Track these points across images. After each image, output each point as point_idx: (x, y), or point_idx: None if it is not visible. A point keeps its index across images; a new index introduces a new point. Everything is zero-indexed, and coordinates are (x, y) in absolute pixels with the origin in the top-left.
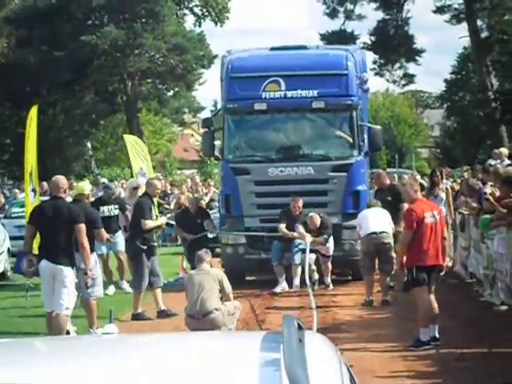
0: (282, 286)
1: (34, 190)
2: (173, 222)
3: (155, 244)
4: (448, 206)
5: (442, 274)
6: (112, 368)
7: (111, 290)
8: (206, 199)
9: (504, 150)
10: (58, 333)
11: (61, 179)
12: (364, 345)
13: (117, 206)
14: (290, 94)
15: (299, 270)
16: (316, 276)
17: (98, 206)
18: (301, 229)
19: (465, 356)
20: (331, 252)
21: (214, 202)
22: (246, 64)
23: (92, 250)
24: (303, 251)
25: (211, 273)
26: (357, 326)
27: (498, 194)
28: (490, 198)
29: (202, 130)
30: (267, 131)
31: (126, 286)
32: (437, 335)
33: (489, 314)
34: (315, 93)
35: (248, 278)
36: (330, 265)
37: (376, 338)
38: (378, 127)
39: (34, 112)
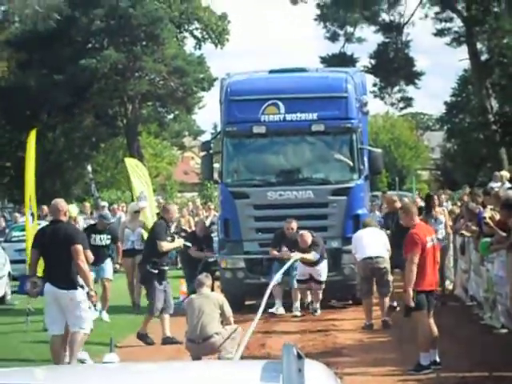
0: (279, 310)
1: (32, 215)
2: (189, 244)
3: (166, 268)
4: (445, 228)
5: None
6: None
7: (105, 315)
8: (207, 222)
9: (505, 173)
10: (70, 350)
11: (60, 202)
12: (365, 369)
13: (109, 236)
14: (289, 117)
15: (299, 295)
16: (308, 299)
17: (90, 234)
18: (285, 248)
19: (465, 380)
20: (324, 277)
21: (215, 226)
22: (245, 87)
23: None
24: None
25: (211, 297)
26: (357, 349)
27: (497, 217)
28: (490, 222)
29: (202, 154)
30: (266, 155)
31: (105, 316)
32: (437, 359)
33: (489, 338)
34: (315, 116)
35: (248, 303)
36: (320, 294)
37: (377, 362)
38: (379, 150)
39: (32, 136)
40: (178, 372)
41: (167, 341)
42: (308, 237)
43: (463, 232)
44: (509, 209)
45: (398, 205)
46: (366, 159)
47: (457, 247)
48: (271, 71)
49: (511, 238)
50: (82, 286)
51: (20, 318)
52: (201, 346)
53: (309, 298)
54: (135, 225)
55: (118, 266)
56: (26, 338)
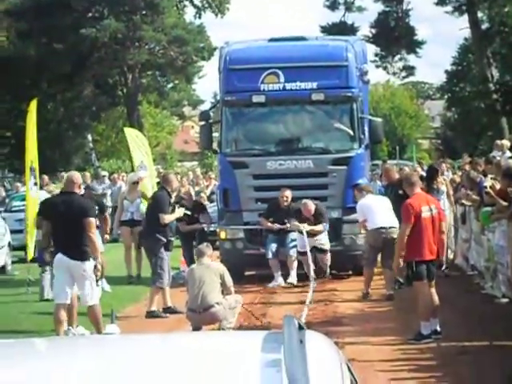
0: (278, 281)
1: (35, 184)
2: (189, 212)
3: (172, 239)
4: (448, 198)
5: (443, 268)
6: (112, 369)
7: (106, 285)
8: (207, 192)
9: (506, 142)
10: (96, 323)
11: (74, 175)
12: (365, 338)
13: (97, 207)
14: (288, 86)
15: (295, 263)
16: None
17: None
18: (294, 221)
19: (466, 349)
20: (328, 246)
21: (215, 195)
22: (244, 56)
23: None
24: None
25: (212, 267)
26: (358, 319)
27: (498, 186)
28: (490, 191)
29: (200, 123)
30: (266, 124)
31: (106, 286)
32: (438, 329)
33: (490, 307)
34: (315, 85)
35: (247, 273)
36: (328, 260)
37: (377, 332)
38: (379, 119)
39: (33, 106)
40: (177, 343)
41: (169, 311)
42: (311, 205)
43: (464, 201)
44: (509, 178)
45: (396, 175)
46: (366, 128)
47: (457, 216)
48: (271, 40)
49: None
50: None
51: (20, 288)
52: (202, 316)
53: (311, 270)
54: (134, 196)
55: (107, 237)
56: (26, 308)
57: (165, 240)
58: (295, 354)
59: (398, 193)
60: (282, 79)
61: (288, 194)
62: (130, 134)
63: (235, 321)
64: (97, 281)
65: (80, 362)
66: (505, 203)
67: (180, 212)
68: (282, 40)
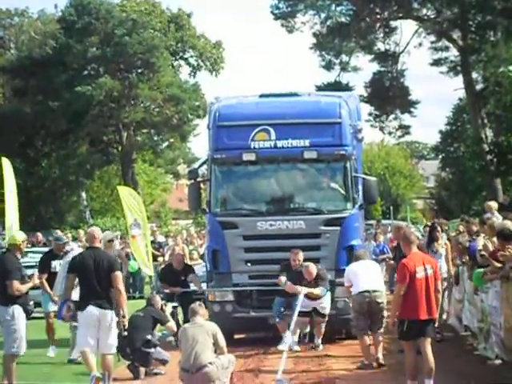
0: (289, 342)
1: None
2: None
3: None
4: (447, 262)
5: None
6: None
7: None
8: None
9: (493, 204)
10: (108, 371)
11: (95, 230)
12: None
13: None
14: (280, 143)
15: (298, 328)
16: (307, 329)
17: (49, 261)
18: (289, 283)
19: None
20: (328, 310)
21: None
22: (234, 112)
23: (5, 304)
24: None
25: (205, 326)
26: (352, 380)
27: (490, 246)
28: (485, 253)
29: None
30: (256, 183)
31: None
32: None
33: (483, 369)
34: (307, 142)
35: (237, 336)
36: (323, 327)
37: None
38: (373, 179)
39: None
40: None
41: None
42: (313, 269)
43: (458, 262)
44: (503, 238)
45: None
46: (360, 188)
47: (451, 277)
48: (262, 95)
49: (505, 269)
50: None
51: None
52: (194, 376)
53: (307, 329)
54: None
55: None
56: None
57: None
58: None
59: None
60: (274, 136)
61: (300, 256)
62: (124, 192)
63: (228, 381)
64: (121, 331)
65: None
66: (498, 264)
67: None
68: (273, 96)
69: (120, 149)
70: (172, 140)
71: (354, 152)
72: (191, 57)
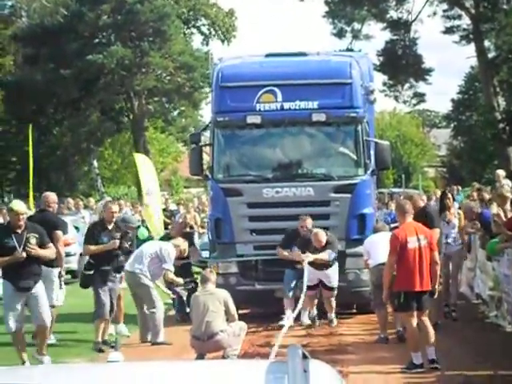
0: (291, 318)
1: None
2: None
3: (107, 268)
4: (460, 231)
5: (451, 310)
6: None
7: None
8: None
9: (500, 172)
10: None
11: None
12: (369, 367)
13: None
14: (287, 105)
15: (308, 301)
16: (315, 311)
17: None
18: (296, 250)
19: (470, 379)
20: (336, 283)
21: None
22: (239, 72)
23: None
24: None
25: (216, 293)
26: (362, 347)
27: (502, 214)
28: (498, 219)
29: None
30: (262, 147)
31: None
32: (434, 357)
33: (495, 336)
34: (315, 104)
35: (241, 312)
36: (333, 301)
37: (381, 360)
38: (386, 143)
39: (28, 131)
40: (180, 372)
41: (97, 347)
42: (323, 236)
43: (469, 229)
44: None
45: (421, 204)
46: (372, 153)
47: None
48: (268, 55)
49: None
50: None
51: None
52: (206, 344)
53: (314, 310)
54: None
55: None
56: None
57: (91, 272)
58: (299, 383)
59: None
60: (280, 98)
61: (309, 223)
62: (139, 159)
63: (240, 348)
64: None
65: None
66: (510, 233)
67: (113, 244)
68: (279, 55)
69: (131, 117)
70: (183, 108)
71: (365, 114)
72: (203, 25)
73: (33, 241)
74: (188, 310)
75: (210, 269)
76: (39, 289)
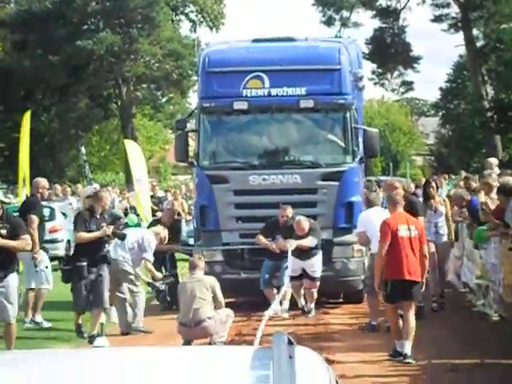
0: (275, 308)
1: (27, 196)
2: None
3: (83, 264)
4: (447, 220)
5: (433, 300)
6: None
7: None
8: None
9: (493, 160)
10: None
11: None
12: (355, 354)
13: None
14: (274, 91)
15: (289, 294)
16: (302, 301)
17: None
18: (280, 238)
19: (457, 367)
20: (319, 273)
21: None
22: (225, 57)
23: None
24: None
25: (204, 280)
26: (348, 335)
27: (490, 203)
28: (486, 208)
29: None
30: (248, 134)
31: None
32: (408, 353)
33: (482, 325)
34: (303, 90)
35: (226, 300)
36: (315, 292)
37: (367, 348)
38: (375, 130)
39: (26, 117)
40: (166, 358)
41: (91, 340)
42: (305, 223)
43: (457, 218)
44: (505, 194)
45: (401, 192)
46: (360, 140)
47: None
48: (255, 40)
49: (504, 226)
50: None
51: None
52: (193, 330)
53: (302, 300)
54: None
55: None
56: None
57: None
58: (284, 370)
59: None
60: (267, 84)
61: (289, 212)
62: (129, 146)
63: (226, 335)
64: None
65: (73, 375)
66: (497, 221)
67: (104, 231)
68: (267, 40)
69: (119, 103)
70: (172, 95)
71: (354, 101)
72: (191, 12)
73: (2, 231)
74: (168, 298)
75: (198, 255)
76: (10, 282)
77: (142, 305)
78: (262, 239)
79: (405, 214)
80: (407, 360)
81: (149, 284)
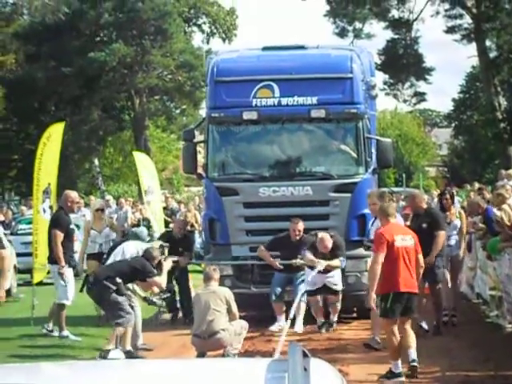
0: (281, 323)
1: (51, 207)
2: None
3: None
4: (461, 234)
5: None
6: None
7: None
8: None
9: (506, 171)
10: None
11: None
12: (369, 366)
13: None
14: (284, 101)
15: (303, 308)
16: (322, 319)
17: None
18: (309, 254)
19: (470, 378)
20: (340, 286)
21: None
22: (234, 66)
23: None
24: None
25: (218, 292)
26: (362, 346)
27: (506, 219)
28: (501, 220)
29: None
30: (258, 145)
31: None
32: (415, 358)
33: (495, 336)
34: (314, 100)
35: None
36: (338, 306)
37: (381, 360)
38: (388, 140)
39: (59, 128)
40: (181, 370)
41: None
42: (329, 240)
43: (471, 229)
44: None
45: (424, 205)
46: (373, 150)
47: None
48: (265, 48)
49: None
50: None
51: (25, 311)
52: (207, 342)
53: (321, 318)
54: (101, 225)
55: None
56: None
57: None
58: (299, 382)
59: (421, 225)
60: (277, 93)
61: (301, 226)
62: (139, 157)
63: (240, 347)
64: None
65: None
66: (511, 232)
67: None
68: (277, 48)
69: (132, 115)
70: (184, 107)
71: (366, 111)
72: (204, 23)
73: None
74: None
75: (213, 267)
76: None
77: (139, 321)
78: (265, 253)
79: (399, 224)
80: (414, 364)
81: (145, 299)
